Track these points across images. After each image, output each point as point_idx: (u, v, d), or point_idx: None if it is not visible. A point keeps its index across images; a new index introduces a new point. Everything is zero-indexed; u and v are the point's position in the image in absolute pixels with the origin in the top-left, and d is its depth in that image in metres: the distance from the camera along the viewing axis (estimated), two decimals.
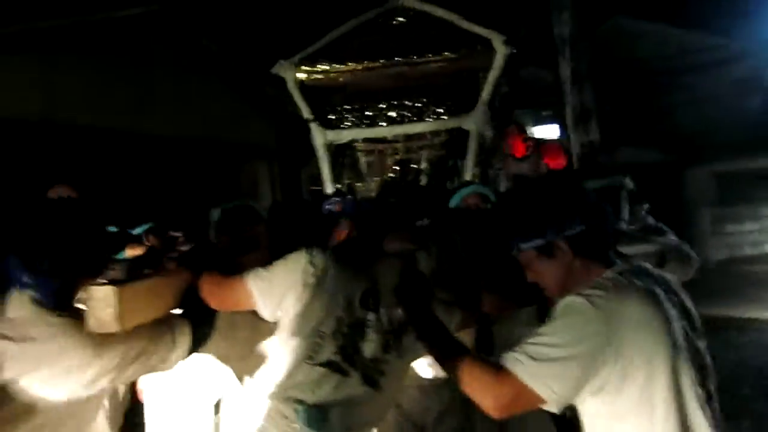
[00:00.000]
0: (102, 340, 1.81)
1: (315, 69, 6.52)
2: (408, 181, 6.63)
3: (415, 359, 2.04)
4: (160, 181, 8.56)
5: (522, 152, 13.97)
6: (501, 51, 6.09)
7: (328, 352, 1.80)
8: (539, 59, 7.95)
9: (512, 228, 1.69)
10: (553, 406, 1.47)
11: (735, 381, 4.77)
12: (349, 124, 6.77)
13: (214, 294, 2.07)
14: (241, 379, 2.52)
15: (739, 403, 4.38)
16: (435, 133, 6.99)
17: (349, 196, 2.06)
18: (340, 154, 7.18)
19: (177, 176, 9.06)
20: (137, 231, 4.14)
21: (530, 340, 1.51)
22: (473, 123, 6.33)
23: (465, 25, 6.29)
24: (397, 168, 7.13)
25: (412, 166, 7.12)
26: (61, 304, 1.81)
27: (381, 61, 6.49)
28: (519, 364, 1.48)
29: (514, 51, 6.28)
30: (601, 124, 8.22)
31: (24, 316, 1.79)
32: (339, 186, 6.80)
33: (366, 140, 6.98)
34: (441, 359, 1.74)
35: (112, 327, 1.82)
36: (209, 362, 2.36)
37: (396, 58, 6.45)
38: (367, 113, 6.74)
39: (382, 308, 1.84)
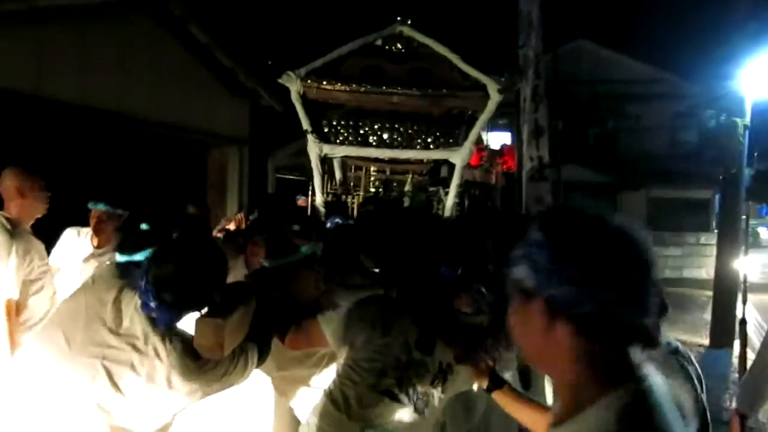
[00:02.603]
0: (202, 363, 2.13)
1: (318, 84, 6.76)
2: (393, 199, 7.03)
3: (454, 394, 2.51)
4: (131, 161, 8.76)
5: (476, 161, 14.70)
6: (494, 98, 6.43)
7: (389, 383, 2.24)
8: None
9: None
10: None
11: None
12: (343, 139, 7.07)
13: (293, 340, 2.61)
14: (279, 390, 3.01)
15: None
16: (421, 160, 7.41)
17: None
18: (329, 166, 7.53)
19: (148, 157, 9.26)
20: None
21: None
22: (460, 158, 6.78)
23: (463, 66, 6.68)
24: (381, 186, 7.52)
25: (395, 185, 7.53)
26: (169, 328, 2.12)
27: (379, 86, 6.80)
28: None
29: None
30: (550, 141, 8.88)
31: (139, 331, 2.10)
32: (327, 195, 7.17)
33: (356, 156, 7.32)
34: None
35: (217, 355, 2.11)
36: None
37: (394, 86, 6.77)
38: (360, 132, 7.03)
39: (436, 352, 2.29)
